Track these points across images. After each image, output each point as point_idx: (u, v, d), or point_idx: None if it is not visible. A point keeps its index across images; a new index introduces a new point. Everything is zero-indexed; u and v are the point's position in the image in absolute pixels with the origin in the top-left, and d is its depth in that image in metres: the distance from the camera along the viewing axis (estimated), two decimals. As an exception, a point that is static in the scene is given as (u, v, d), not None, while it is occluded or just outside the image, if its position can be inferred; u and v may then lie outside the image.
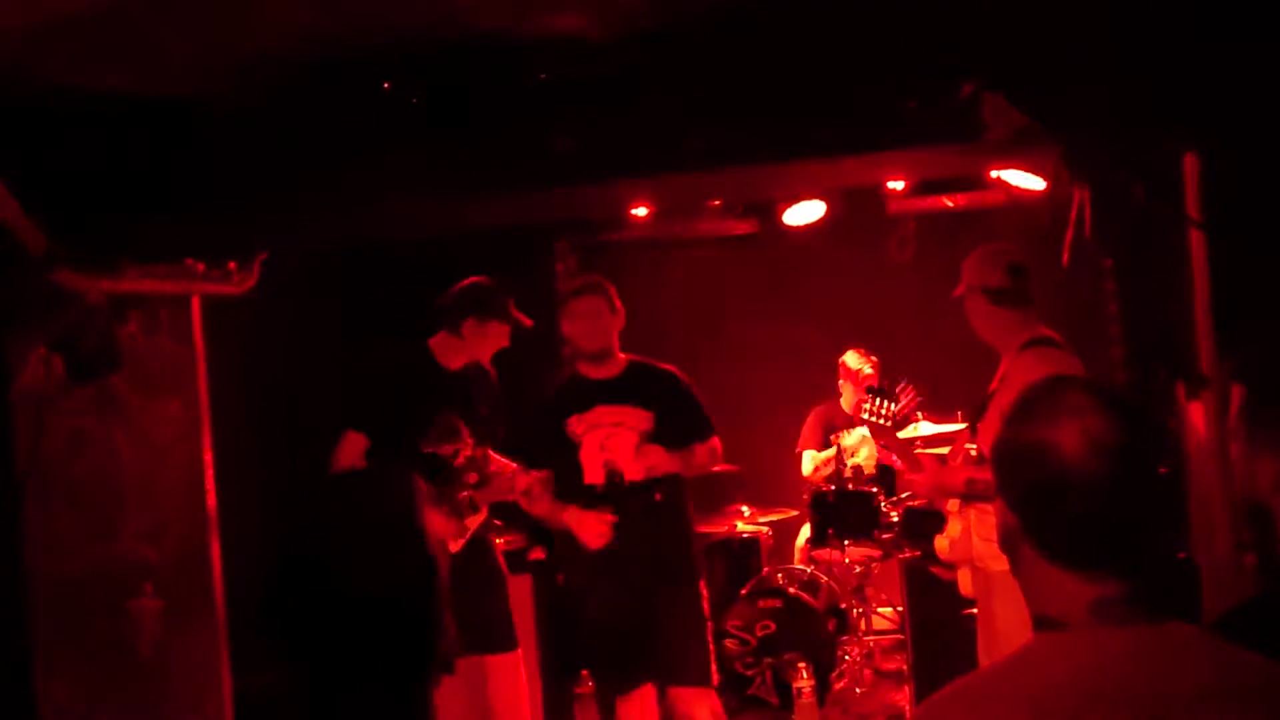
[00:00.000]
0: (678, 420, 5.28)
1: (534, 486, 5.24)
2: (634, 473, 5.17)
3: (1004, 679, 1.73)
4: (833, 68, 4.16)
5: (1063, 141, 3.77)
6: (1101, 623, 1.70)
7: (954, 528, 4.45)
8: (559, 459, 5.22)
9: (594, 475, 5.19)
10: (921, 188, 7.40)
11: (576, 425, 5.22)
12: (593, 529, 5.16)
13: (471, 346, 5.50)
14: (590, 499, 5.18)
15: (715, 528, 7.17)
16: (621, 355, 5.32)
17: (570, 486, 5.21)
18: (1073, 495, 1.71)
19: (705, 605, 5.35)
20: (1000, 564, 4.28)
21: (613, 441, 5.20)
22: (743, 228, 8.21)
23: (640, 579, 5.16)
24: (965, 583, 4.59)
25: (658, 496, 5.21)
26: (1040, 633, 1.75)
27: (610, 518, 5.14)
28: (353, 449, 5.22)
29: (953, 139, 3.97)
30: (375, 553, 1.79)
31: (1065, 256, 4.01)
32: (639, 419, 5.22)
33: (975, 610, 4.65)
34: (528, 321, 5.55)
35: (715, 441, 5.43)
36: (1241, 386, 2.20)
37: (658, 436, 5.20)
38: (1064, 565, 1.73)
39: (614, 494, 5.15)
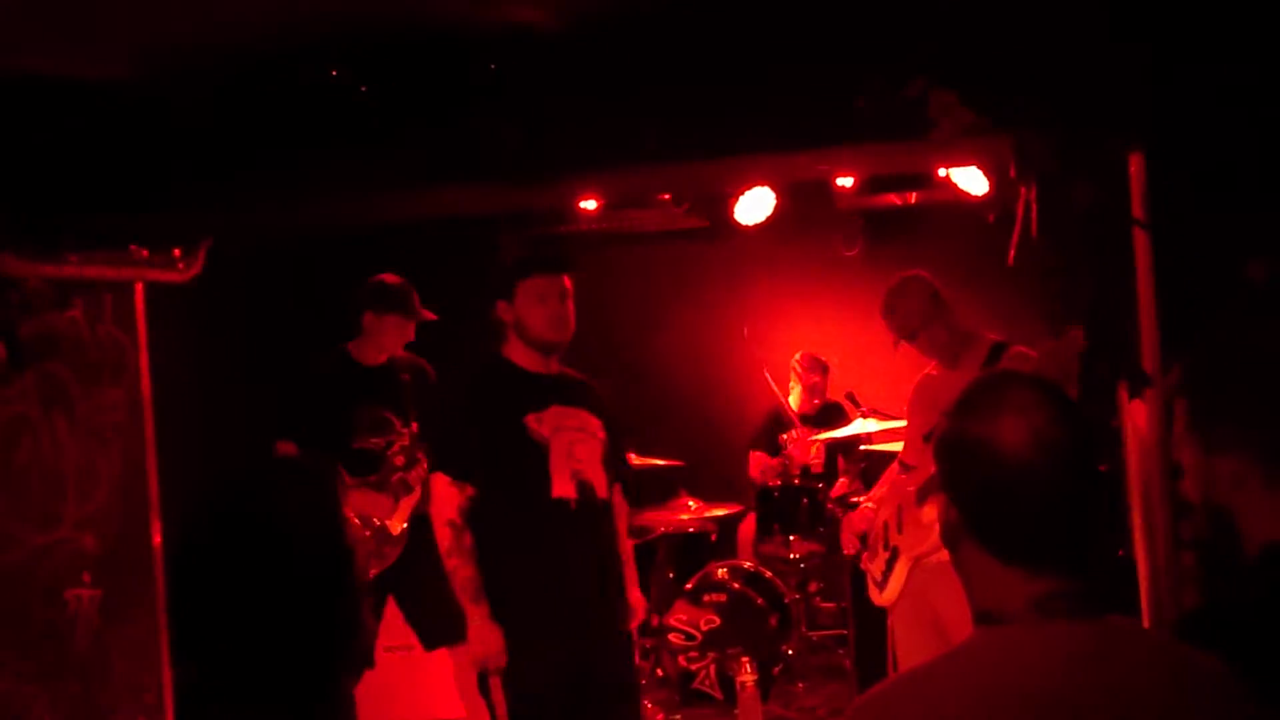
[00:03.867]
0: (616, 435, 4.47)
1: (465, 506, 4.17)
2: (602, 489, 4.30)
3: (944, 673, 1.74)
4: (783, 63, 4.16)
5: (1011, 139, 3.79)
6: (1043, 618, 1.72)
7: (930, 514, 4.48)
8: (518, 467, 4.20)
9: (564, 488, 4.21)
10: (871, 185, 7.42)
11: (536, 425, 4.22)
12: (495, 649, 4.09)
13: (376, 341, 5.50)
14: (557, 518, 4.20)
15: (661, 522, 7.17)
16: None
17: (535, 502, 4.19)
18: (1015, 490, 1.72)
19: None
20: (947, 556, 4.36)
21: (581, 449, 4.26)
22: (692, 223, 8.20)
23: (593, 626, 4.25)
24: (899, 580, 4.62)
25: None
26: (981, 627, 1.76)
27: (505, 658, 4.10)
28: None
29: (900, 136, 3.99)
30: (291, 544, 1.77)
31: (1011, 255, 4.04)
32: (598, 427, 4.35)
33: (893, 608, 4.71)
34: (430, 315, 5.55)
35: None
36: (1193, 386, 2.21)
37: (609, 448, 4.38)
38: (1005, 560, 1.75)
39: (586, 512, 4.23)
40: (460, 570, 4.13)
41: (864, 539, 4.96)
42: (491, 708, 4.17)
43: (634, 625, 4.51)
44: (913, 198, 7.85)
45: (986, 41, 3.86)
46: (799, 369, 7.76)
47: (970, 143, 3.92)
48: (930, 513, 4.47)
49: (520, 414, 4.19)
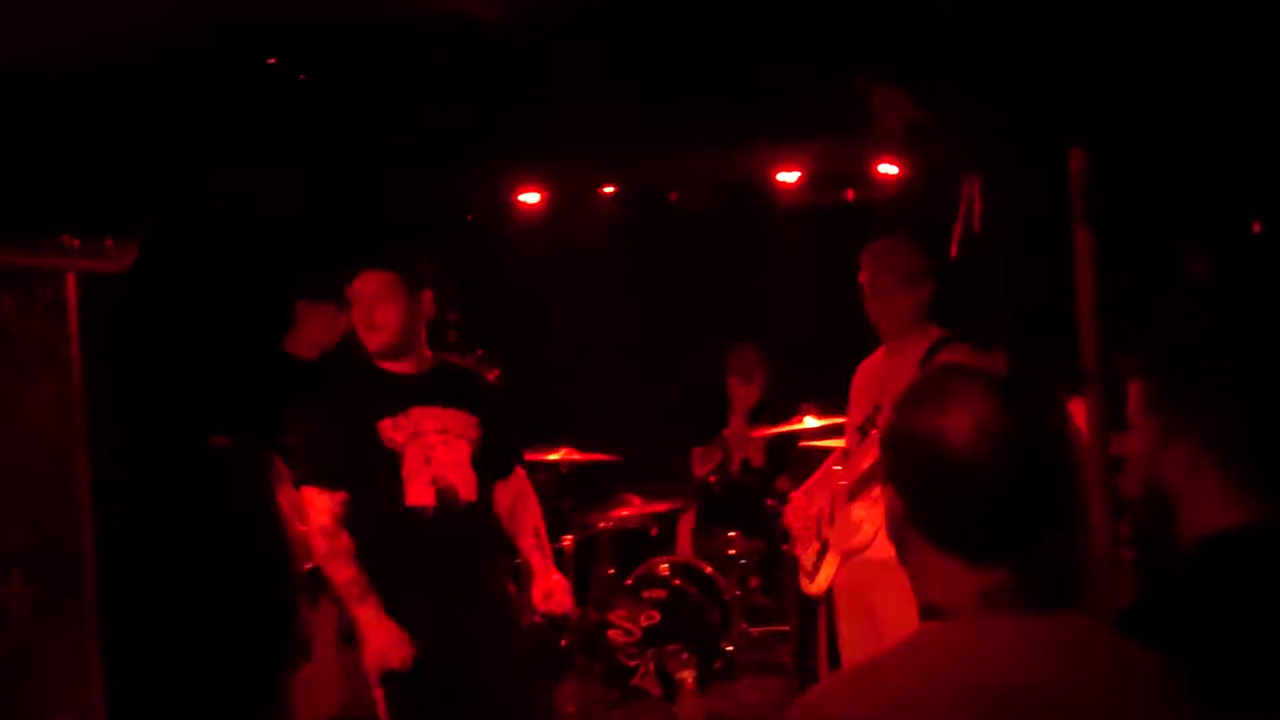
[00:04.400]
0: (499, 432, 4.29)
1: (338, 512, 4.03)
2: (468, 491, 4.14)
3: (888, 668, 1.72)
4: (726, 58, 4.15)
5: (954, 134, 3.79)
6: (989, 611, 1.70)
7: (859, 512, 4.47)
8: (372, 475, 4.06)
9: (421, 495, 4.07)
10: (812, 179, 7.42)
11: (391, 431, 4.08)
12: (390, 645, 3.98)
13: (310, 331, 5.41)
14: (414, 528, 4.07)
15: (601, 518, 7.14)
16: (427, 350, 4.29)
17: (389, 511, 4.06)
18: (962, 483, 1.71)
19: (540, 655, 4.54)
20: (889, 551, 4.35)
21: (442, 453, 4.11)
22: (635, 215, 8.19)
23: (469, 636, 4.13)
24: (828, 574, 4.61)
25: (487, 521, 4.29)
26: (927, 621, 1.75)
27: (409, 648, 3.99)
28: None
29: (843, 131, 3.98)
30: (224, 535, 1.72)
31: (954, 249, 4.04)
32: (468, 426, 4.18)
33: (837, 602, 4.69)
34: None
35: (522, 470, 4.49)
36: (1142, 379, 2.20)
37: (485, 448, 4.21)
38: (952, 554, 1.73)
39: (447, 519, 4.09)
40: (339, 574, 4.03)
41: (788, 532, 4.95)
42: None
43: (553, 608, 4.38)
44: (850, 194, 7.88)
45: (930, 37, 3.86)
46: (740, 361, 7.74)
47: (913, 138, 3.92)
48: (859, 511, 4.47)
49: (374, 419, 4.07)
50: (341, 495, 4.06)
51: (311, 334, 5.46)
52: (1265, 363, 2.09)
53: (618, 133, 4.59)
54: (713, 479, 7.18)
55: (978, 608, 1.70)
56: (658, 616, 6.62)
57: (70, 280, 5.24)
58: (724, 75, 4.36)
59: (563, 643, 6.84)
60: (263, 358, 5.49)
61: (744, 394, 7.72)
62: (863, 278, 4.55)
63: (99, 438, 5.37)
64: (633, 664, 6.62)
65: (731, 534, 6.95)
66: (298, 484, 4.07)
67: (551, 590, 4.34)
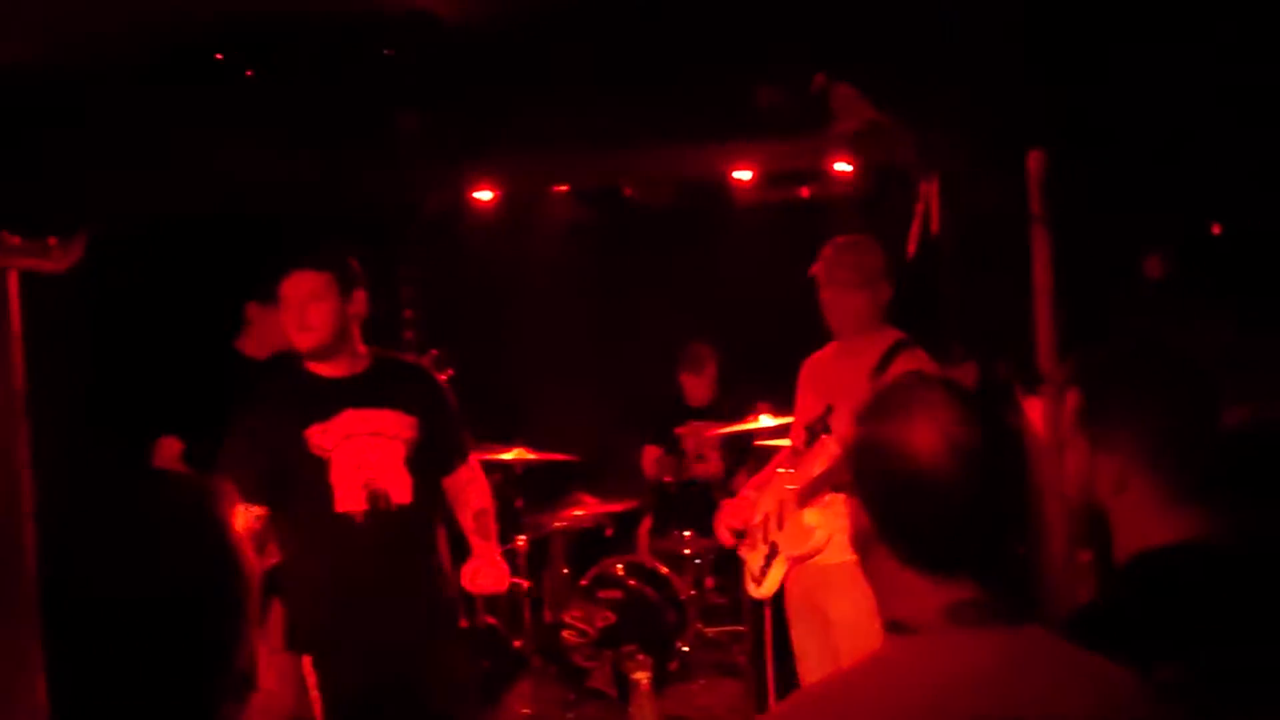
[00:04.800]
0: (442, 429, 4.24)
1: (253, 527, 3.94)
2: (401, 494, 4.06)
3: (855, 686, 1.68)
4: (685, 55, 4.11)
5: (912, 135, 3.76)
6: (956, 626, 1.66)
7: (811, 517, 4.41)
8: (300, 484, 4.00)
9: (351, 501, 4.00)
10: (769, 177, 7.40)
11: (319, 438, 4.01)
12: (287, 681, 4.04)
13: (262, 333, 5.35)
14: (343, 533, 4.00)
15: (555, 518, 7.09)
16: (363, 348, 4.18)
17: (317, 518, 4.01)
18: (927, 495, 1.67)
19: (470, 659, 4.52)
20: (840, 556, 4.32)
21: (374, 456, 4.03)
22: (590, 213, 8.14)
23: (401, 637, 4.08)
24: (777, 577, 4.56)
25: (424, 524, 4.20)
26: (892, 636, 1.71)
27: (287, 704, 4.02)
28: (168, 453, 5.11)
29: (801, 130, 3.95)
30: (170, 558, 1.65)
31: (911, 249, 4.01)
32: (403, 426, 4.10)
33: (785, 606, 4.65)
34: None
35: (475, 461, 4.44)
36: (1078, 388, 2.18)
37: (423, 447, 4.13)
38: (918, 567, 1.69)
39: (378, 523, 4.01)
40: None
41: (744, 532, 4.89)
42: None
43: (481, 590, 4.42)
44: (806, 192, 7.86)
45: (889, 38, 3.84)
46: (693, 360, 7.70)
47: (871, 138, 3.89)
48: (811, 516, 4.41)
49: (303, 426, 4.00)
50: (259, 510, 3.98)
51: (263, 335, 5.40)
52: (1186, 372, 2.07)
53: (572, 130, 4.53)
54: (667, 478, 7.14)
55: (945, 622, 1.66)
56: (613, 617, 6.57)
57: (12, 278, 5.14)
58: (680, 73, 4.32)
59: (517, 644, 6.79)
60: (214, 357, 5.40)
61: (696, 389, 7.67)
62: (818, 270, 4.47)
63: (41, 440, 5.27)
64: (588, 665, 6.57)
65: (686, 534, 6.91)
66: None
67: (477, 570, 4.31)
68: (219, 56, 4.09)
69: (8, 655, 5.08)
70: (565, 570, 7.04)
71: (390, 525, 4.04)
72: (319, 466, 3.99)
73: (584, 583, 6.72)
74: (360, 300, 4.12)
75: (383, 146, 4.74)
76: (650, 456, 7.59)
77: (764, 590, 4.59)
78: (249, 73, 4.07)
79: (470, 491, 4.38)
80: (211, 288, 5.84)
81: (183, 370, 5.49)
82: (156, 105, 4.45)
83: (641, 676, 6.15)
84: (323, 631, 4.07)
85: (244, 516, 3.95)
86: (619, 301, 8.33)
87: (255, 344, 5.45)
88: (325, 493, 3.99)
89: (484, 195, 7.38)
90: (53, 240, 4.99)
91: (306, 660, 4.05)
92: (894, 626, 1.71)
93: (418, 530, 4.17)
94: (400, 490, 4.07)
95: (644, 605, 6.61)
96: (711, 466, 7.41)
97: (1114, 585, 2.14)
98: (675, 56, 4.27)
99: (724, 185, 7.45)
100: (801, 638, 4.53)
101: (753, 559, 4.69)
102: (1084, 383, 2.14)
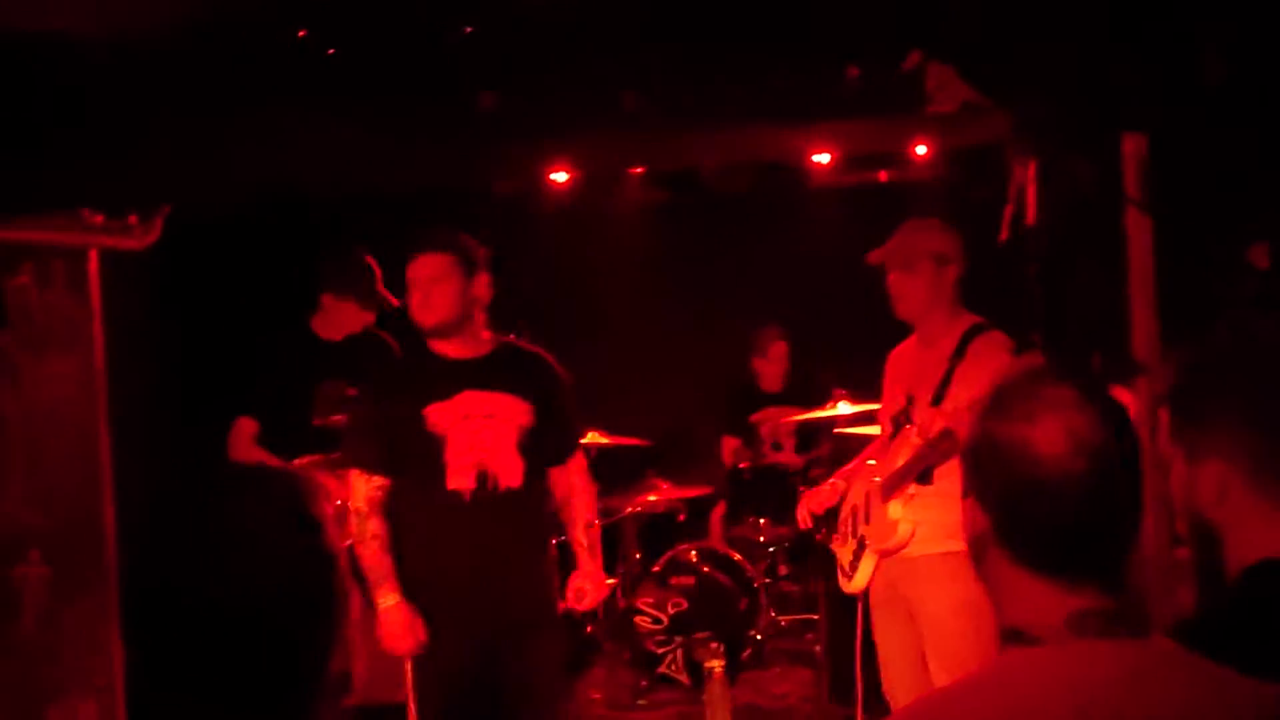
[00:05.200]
0: (556, 419, 4.32)
1: (374, 496, 4.15)
2: (510, 477, 4.16)
3: (974, 697, 1.59)
4: (773, 32, 4.00)
5: (1010, 116, 3.64)
6: (1079, 637, 1.57)
7: (895, 510, 4.32)
8: (416, 459, 4.15)
9: (461, 479, 4.13)
10: (847, 160, 7.29)
11: (437, 416, 4.15)
12: (399, 633, 4.10)
13: (338, 319, 5.37)
14: (452, 511, 4.14)
15: (628, 503, 7.03)
16: (486, 333, 4.33)
17: (428, 494, 4.15)
18: (1052, 497, 1.57)
19: (565, 650, 4.59)
20: (925, 549, 4.23)
21: (488, 437, 4.15)
22: (666, 196, 8.07)
23: (499, 619, 4.17)
24: (866, 572, 4.47)
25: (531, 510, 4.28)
26: (1012, 647, 1.61)
27: (419, 636, 4.10)
28: (244, 435, 5.17)
29: (895, 111, 3.84)
30: (261, 556, 1.59)
31: (1003, 233, 3.90)
32: (518, 411, 4.20)
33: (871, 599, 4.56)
34: (394, 300, 5.32)
35: (582, 456, 4.50)
36: (1181, 384, 2.06)
37: (536, 434, 4.22)
38: (1040, 573, 1.60)
39: (485, 504, 4.13)
40: (365, 557, 4.16)
41: (823, 518, 4.80)
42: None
43: (585, 607, 4.51)
44: (884, 176, 7.75)
45: (985, 15, 3.72)
46: (766, 345, 7.61)
47: (967, 119, 3.78)
48: (895, 510, 4.32)
49: (423, 404, 4.15)
50: (381, 480, 4.17)
51: (337, 319, 5.39)
52: None
53: (654, 108, 4.45)
54: (743, 464, 7.06)
55: (1069, 632, 1.57)
56: (685, 604, 6.52)
57: (92, 257, 5.15)
58: (762, 52, 4.22)
59: (589, 629, 6.75)
60: (290, 338, 5.41)
61: (768, 374, 7.58)
62: (882, 254, 4.39)
63: (121, 417, 5.28)
64: (660, 651, 6.52)
65: (761, 521, 6.83)
66: (343, 465, 4.42)
67: (583, 591, 4.43)
68: (301, 34, 4.05)
69: (83, 637, 5.11)
70: (638, 555, 6.98)
71: (497, 506, 4.15)
72: (434, 444, 4.12)
73: (657, 568, 6.66)
74: (482, 283, 4.24)
75: (459, 127, 4.67)
76: (729, 447, 7.51)
77: (855, 584, 4.51)
78: (330, 51, 4.03)
79: (579, 497, 4.45)
80: (287, 268, 5.83)
81: (258, 350, 5.49)
82: (236, 83, 4.42)
83: (715, 664, 6.09)
84: (425, 605, 4.15)
85: (365, 486, 4.10)
86: (694, 286, 8.26)
87: (330, 326, 5.44)
88: (438, 470, 4.11)
89: (560, 177, 7.31)
90: (133, 219, 4.99)
91: (395, 623, 4.13)
92: (1012, 635, 1.61)
93: (525, 514, 4.25)
94: (510, 474, 4.17)
95: (717, 592, 6.55)
96: (787, 455, 7.33)
97: (1227, 597, 2.02)
98: (757, 35, 4.16)
99: (801, 168, 7.35)
100: (884, 630, 4.44)
101: (843, 553, 4.60)
102: (1176, 386, 2.03)
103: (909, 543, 4.28)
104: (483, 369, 4.23)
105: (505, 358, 4.31)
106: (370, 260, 5.40)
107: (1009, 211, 3.92)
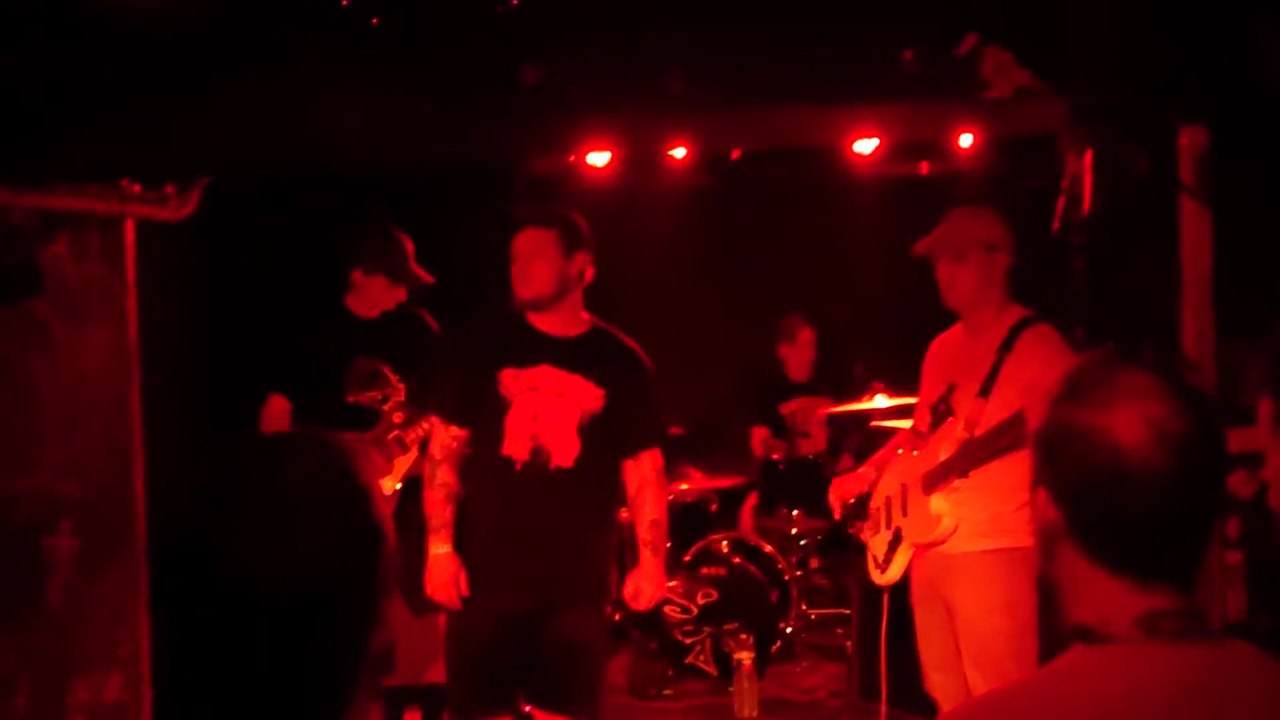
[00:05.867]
0: (631, 410, 4.30)
1: (450, 446, 4.30)
2: (563, 456, 4.19)
3: (1042, 695, 1.51)
4: (824, 13, 3.92)
5: (1068, 102, 3.55)
6: (1152, 638, 1.49)
7: (938, 504, 4.22)
8: (484, 418, 4.23)
9: (517, 448, 4.18)
10: (890, 150, 7.20)
11: (511, 381, 4.21)
12: (443, 582, 4.22)
13: (369, 296, 5.33)
14: (503, 475, 4.20)
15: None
16: (586, 315, 4.36)
17: (488, 455, 4.24)
18: (1131, 491, 1.49)
19: (604, 635, 4.55)
20: (964, 546, 4.15)
21: (549, 413, 4.19)
22: (706, 181, 7.99)
23: (538, 589, 4.21)
24: (901, 565, 4.39)
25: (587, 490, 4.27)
26: (1082, 645, 1.53)
27: (462, 589, 4.21)
28: (276, 412, 5.14)
29: (950, 95, 3.75)
30: (291, 523, 1.50)
31: (1056, 224, 3.81)
32: (588, 395, 4.23)
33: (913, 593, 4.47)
34: (425, 277, 5.31)
35: (659, 454, 4.46)
36: (1268, 395, 2.00)
37: (602, 421, 4.23)
38: (1114, 570, 1.52)
39: (533, 477, 4.18)
40: (427, 502, 4.31)
41: (854, 506, 4.72)
42: None
43: (640, 607, 4.46)
44: (926, 168, 7.65)
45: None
46: (794, 333, 7.51)
47: (1023, 105, 3.68)
48: (939, 503, 4.23)
49: (499, 367, 4.22)
50: (458, 431, 4.30)
51: (370, 296, 5.34)
52: None
53: (700, 87, 4.37)
54: (776, 456, 6.98)
55: (1141, 633, 1.49)
56: (715, 594, 6.45)
57: (129, 226, 5.10)
58: (819, 27, 4.14)
59: (617, 617, 6.69)
60: (324, 313, 5.35)
61: (795, 363, 7.50)
62: (929, 244, 4.30)
63: (154, 389, 5.24)
64: (688, 641, 6.45)
65: (794, 513, 6.75)
66: (427, 410, 4.66)
67: (640, 590, 4.40)
68: (345, 3, 3.99)
69: (110, 610, 5.07)
70: (668, 544, 6.91)
71: (546, 482, 4.18)
72: (500, 406, 4.20)
73: (687, 558, 6.60)
74: (581, 260, 4.29)
75: (500, 102, 4.61)
76: (759, 437, 7.44)
77: (888, 576, 4.42)
78: (374, 20, 3.97)
79: (647, 497, 4.41)
80: (324, 243, 5.77)
81: (292, 327, 5.44)
82: (275, 54, 4.37)
83: (744, 656, 6.05)
84: (468, 563, 4.26)
85: (443, 434, 4.22)
86: (730, 272, 8.18)
87: (364, 304, 5.38)
88: (498, 433, 4.19)
89: (598, 159, 7.24)
90: (170, 189, 4.94)
91: (437, 571, 4.26)
92: (1081, 633, 1.53)
93: (573, 495, 4.23)
94: (564, 453, 4.19)
95: (748, 583, 6.49)
96: (817, 444, 7.25)
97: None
98: (813, 13, 4.09)
99: (843, 158, 7.25)
100: (925, 624, 4.36)
101: (875, 544, 4.51)
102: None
103: (950, 538, 4.19)
104: (567, 348, 4.27)
105: (593, 342, 4.33)
106: (401, 236, 5.34)
107: (1062, 202, 3.83)
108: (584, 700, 4.25)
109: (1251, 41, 3.58)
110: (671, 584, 6.46)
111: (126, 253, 5.10)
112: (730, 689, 6.10)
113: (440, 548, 4.24)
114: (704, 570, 6.51)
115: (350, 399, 5.22)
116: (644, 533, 4.41)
